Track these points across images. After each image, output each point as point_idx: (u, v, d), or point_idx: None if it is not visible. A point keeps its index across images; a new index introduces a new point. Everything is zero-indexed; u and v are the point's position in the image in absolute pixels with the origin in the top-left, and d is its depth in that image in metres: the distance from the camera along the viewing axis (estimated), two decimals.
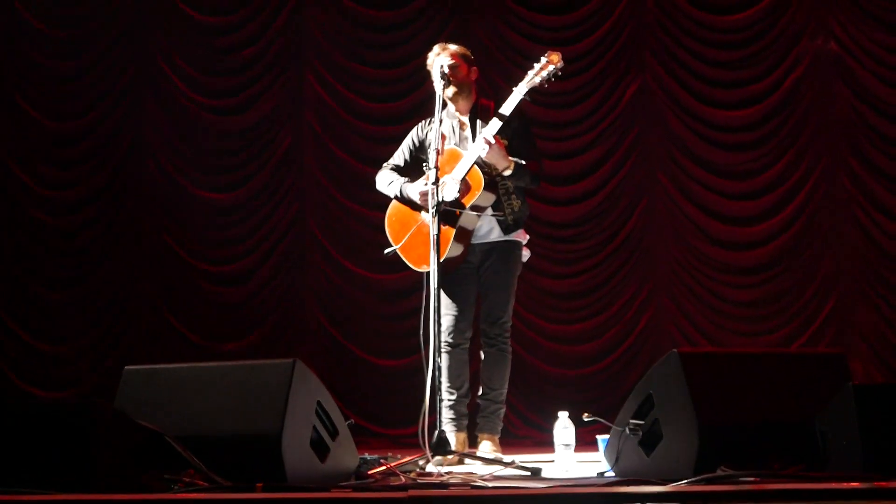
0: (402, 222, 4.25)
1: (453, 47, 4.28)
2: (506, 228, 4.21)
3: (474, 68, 4.31)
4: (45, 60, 6.53)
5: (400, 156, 4.41)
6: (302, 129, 6.50)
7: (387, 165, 4.42)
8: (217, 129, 6.50)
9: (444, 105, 4.06)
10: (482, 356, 4.31)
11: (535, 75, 4.03)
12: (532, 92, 4.06)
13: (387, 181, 4.35)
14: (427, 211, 3.89)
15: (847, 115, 6.26)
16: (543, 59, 4.03)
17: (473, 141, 4.16)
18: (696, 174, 6.35)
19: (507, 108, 4.04)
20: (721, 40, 6.38)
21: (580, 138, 6.39)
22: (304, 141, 6.50)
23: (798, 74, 6.31)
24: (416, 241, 4.12)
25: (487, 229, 4.21)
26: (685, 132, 6.36)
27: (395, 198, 4.29)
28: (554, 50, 4.05)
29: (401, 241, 4.18)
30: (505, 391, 4.32)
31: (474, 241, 4.18)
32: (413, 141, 4.40)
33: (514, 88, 4.06)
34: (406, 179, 4.29)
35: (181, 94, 6.50)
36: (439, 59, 4.20)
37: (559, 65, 4.01)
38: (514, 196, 4.17)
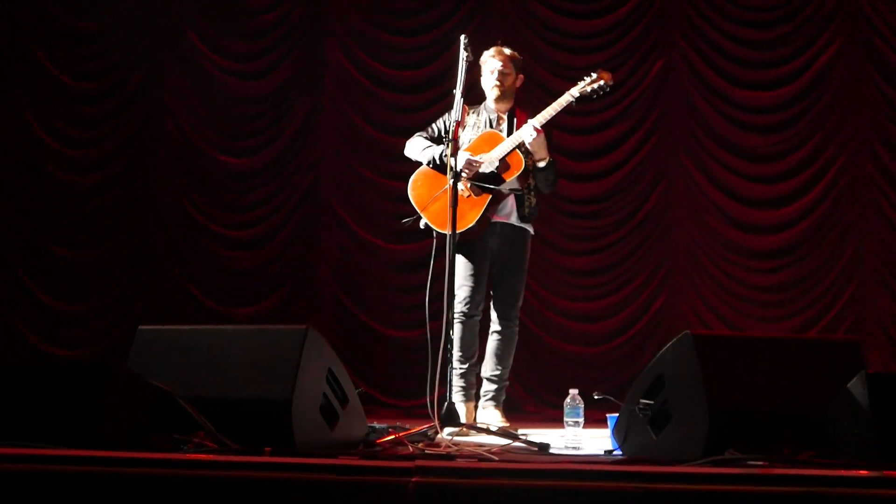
0: (430, 187, 4.37)
1: (507, 52, 4.52)
2: (521, 217, 4.43)
3: (521, 76, 4.55)
4: (69, 20, 6.52)
5: (435, 129, 4.56)
6: (321, 95, 6.48)
7: (419, 134, 4.56)
8: (237, 93, 6.49)
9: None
10: (496, 336, 4.46)
11: (586, 85, 4.33)
12: (580, 98, 4.32)
13: (422, 146, 4.48)
14: (464, 178, 4.19)
15: (876, 101, 6.17)
16: (594, 75, 4.33)
17: (506, 136, 4.38)
18: (718, 155, 6.29)
19: (556, 106, 4.29)
20: (751, 19, 6.29)
21: (602, 114, 6.33)
22: (323, 107, 6.48)
23: (828, 57, 6.21)
24: (444, 207, 4.18)
25: (508, 210, 4.42)
26: (710, 111, 6.29)
27: (430, 162, 4.40)
28: (605, 69, 4.37)
29: (425, 205, 4.32)
30: (510, 367, 4.53)
31: (494, 219, 4.37)
32: (451, 118, 4.47)
33: (567, 91, 4.32)
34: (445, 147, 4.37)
35: (202, 56, 6.48)
36: (493, 62, 4.46)
37: (610, 82, 4.33)
38: (533, 193, 4.42)
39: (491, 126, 4.44)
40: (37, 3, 6.51)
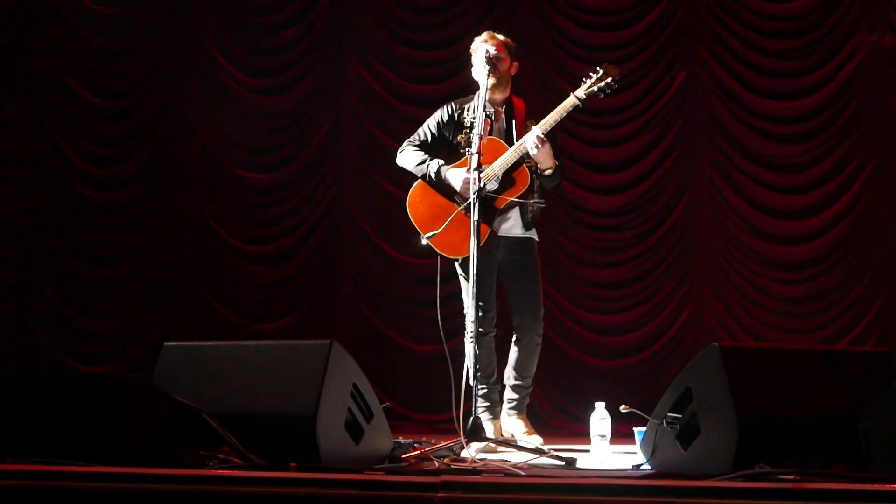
0: (428, 204, 4.25)
1: (500, 37, 4.32)
2: (526, 225, 4.31)
3: (516, 63, 4.36)
4: (93, 38, 6.60)
5: (425, 133, 4.40)
6: (343, 110, 6.50)
7: (410, 143, 4.42)
8: (259, 108, 6.53)
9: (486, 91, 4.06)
10: (517, 346, 4.38)
11: (592, 84, 4.13)
12: (587, 99, 4.13)
13: (416, 159, 4.34)
14: (463, 198, 4.02)
15: None
16: (601, 71, 4.12)
17: (506, 134, 4.24)
18: (743, 166, 6.24)
19: (562, 111, 4.10)
20: (774, 29, 6.24)
21: (626, 126, 6.31)
22: (345, 122, 6.50)
23: (853, 66, 6.16)
24: (450, 230, 4.13)
25: (511, 224, 4.29)
26: (733, 122, 6.25)
27: (426, 178, 4.28)
28: (613, 63, 4.15)
29: (429, 228, 4.20)
30: (533, 375, 4.43)
31: (499, 233, 4.27)
32: (441, 119, 4.38)
33: (572, 93, 4.13)
34: (443, 161, 4.28)
35: (224, 73, 6.52)
36: (485, 46, 4.23)
37: (617, 77, 4.11)
38: (537, 195, 4.26)
39: (492, 128, 4.22)
40: (61, 21, 6.60)
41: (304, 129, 6.52)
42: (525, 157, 4.13)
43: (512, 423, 4.35)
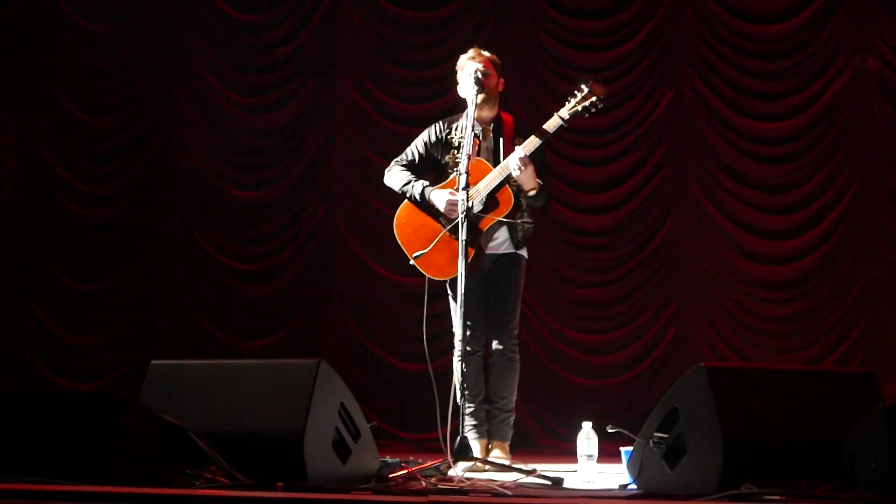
0: (417, 229, 4.23)
1: (487, 54, 4.31)
2: (516, 244, 4.28)
3: (502, 79, 4.34)
4: (83, 55, 6.61)
5: (413, 153, 4.38)
6: (333, 128, 6.52)
7: (397, 162, 4.40)
8: (250, 126, 6.54)
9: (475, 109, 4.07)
10: (492, 364, 4.34)
11: (577, 104, 4.06)
12: (571, 119, 4.07)
13: (402, 180, 4.31)
14: (448, 220, 4.02)
15: (887, 132, 6.17)
16: (586, 89, 4.05)
17: (494, 152, 4.21)
18: (729, 186, 6.29)
19: (546, 131, 4.06)
20: (759, 51, 6.31)
21: (613, 146, 6.35)
22: (334, 141, 6.52)
23: (837, 88, 6.22)
24: (435, 251, 4.13)
25: (500, 240, 4.26)
26: (719, 143, 6.30)
27: (412, 199, 4.26)
28: (598, 82, 4.08)
29: (415, 249, 4.18)
30: (514, 399, 4.36)
31: (487, 251, 4.23)
32: (429, 139, 4.36)
33: (556, 113, 4.08)
34: (427, 183, 4.27)
35: (215, 91, 6.54)
36: (472, 64, 4.22)
37: (602, 96, 4.04)
38: (526, 214, 4.23)
39: (480, 147, 4.17)
40: (52, 37, 6.61)
41: (294, 147, 6.53)
42: (509, 178, 4.10)
43: (492, 452, 4.27)
